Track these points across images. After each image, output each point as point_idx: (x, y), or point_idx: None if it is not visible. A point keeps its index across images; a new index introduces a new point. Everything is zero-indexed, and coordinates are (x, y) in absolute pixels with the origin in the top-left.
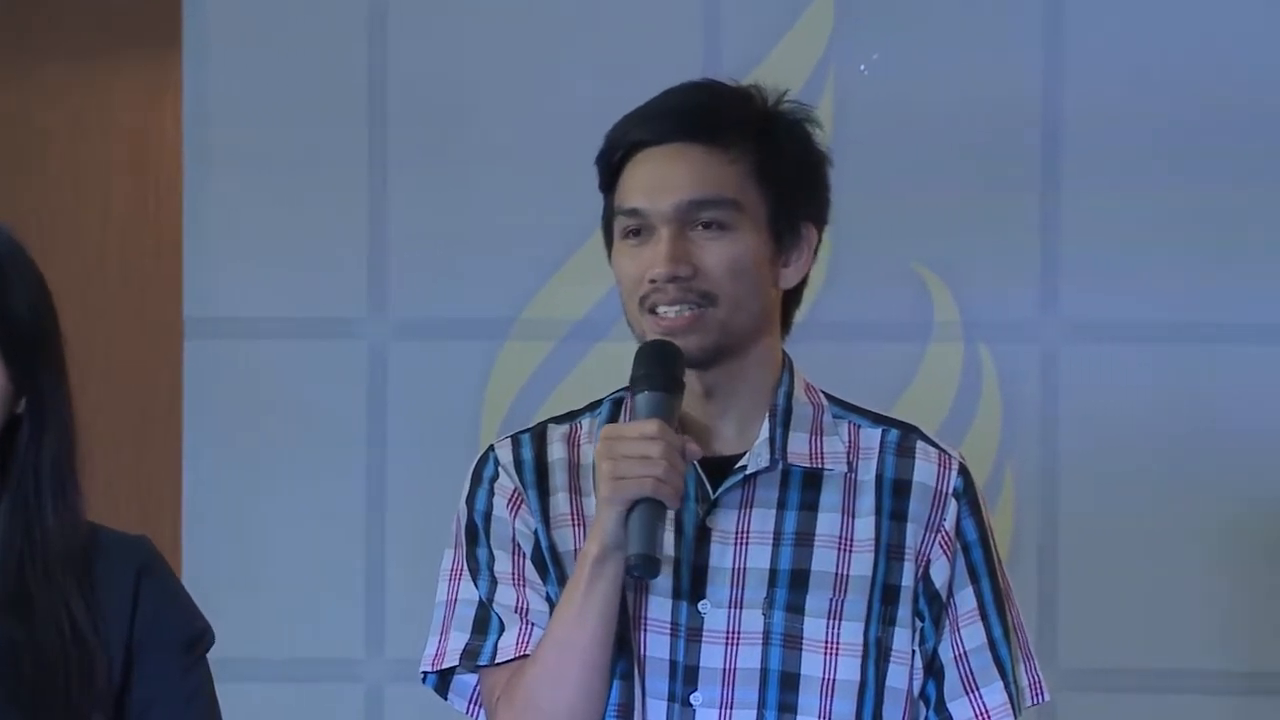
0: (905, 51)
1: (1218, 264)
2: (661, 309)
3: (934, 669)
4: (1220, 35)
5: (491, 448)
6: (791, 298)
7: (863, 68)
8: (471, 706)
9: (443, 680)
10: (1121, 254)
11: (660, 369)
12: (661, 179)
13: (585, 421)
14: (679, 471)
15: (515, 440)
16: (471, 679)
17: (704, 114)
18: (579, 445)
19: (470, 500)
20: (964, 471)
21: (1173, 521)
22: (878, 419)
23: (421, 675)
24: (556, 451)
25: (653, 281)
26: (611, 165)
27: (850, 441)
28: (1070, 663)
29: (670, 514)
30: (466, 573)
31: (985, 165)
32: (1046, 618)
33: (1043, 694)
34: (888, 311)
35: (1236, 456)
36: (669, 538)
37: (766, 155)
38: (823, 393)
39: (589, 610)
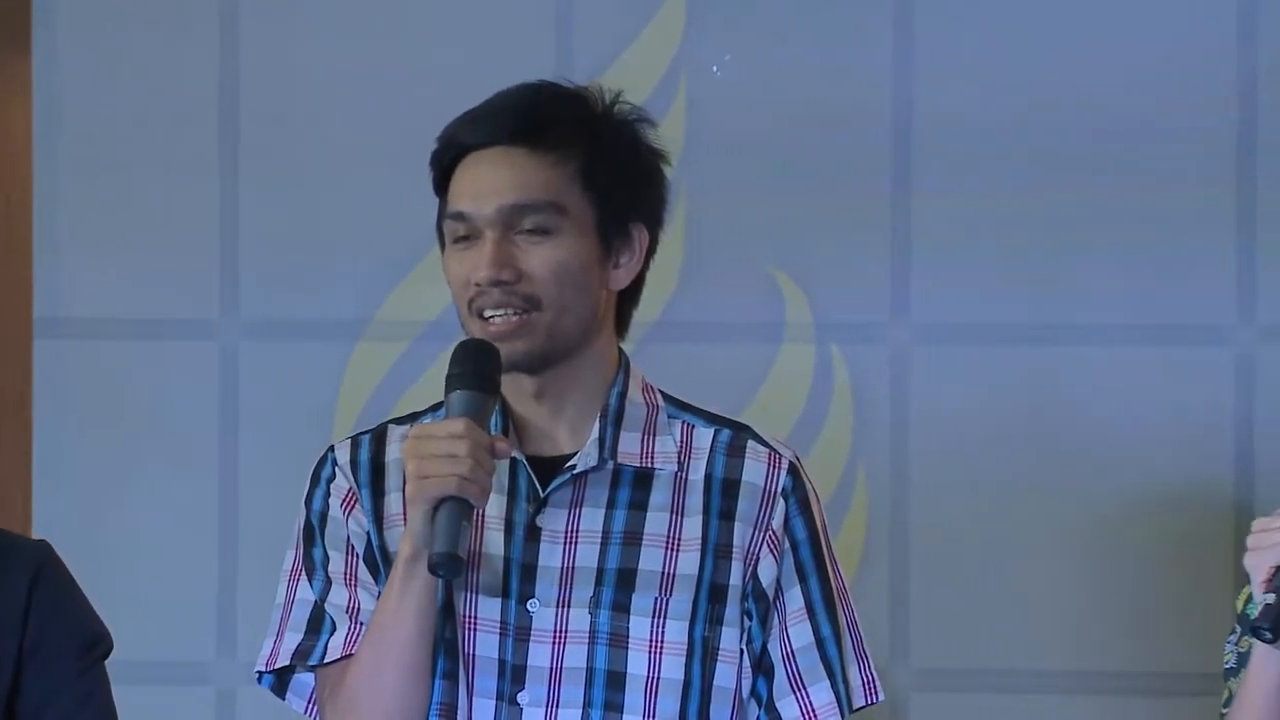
0: (757, 53)
1: (1064, 266)
2: (488, 313)
3: (763, 668)
4: (1067, 40)
5: (331, 449)
6: (627, 298)
7: (715, 69)
8: (309, 706)
9: (280, 680)
10: (970, 256)
11: (472, 368)
12: (486, 183)
13: (426, 421)
14: (486, 470)
15: (355, 441)
16: (310, 679)
17: (529, 117)
18: None
19: (308, 501)
20: (794, 470)
21: (1023, 522)
22: (712, 419)
23: (256, 675)
24: (394, 452)
25: (477, 285)
26: (442, 168)
27: (683, 441)
28: (922, 663)
29: (500, 513)
30: (303, 573)
31: (837, 167)
32: (898, 618)
33: (876, 694)
34: (740, 313)
35: (1083, 457)
36: (498, 537)
37: (593, 157)
38: (660, 392)
39: (404, 610)
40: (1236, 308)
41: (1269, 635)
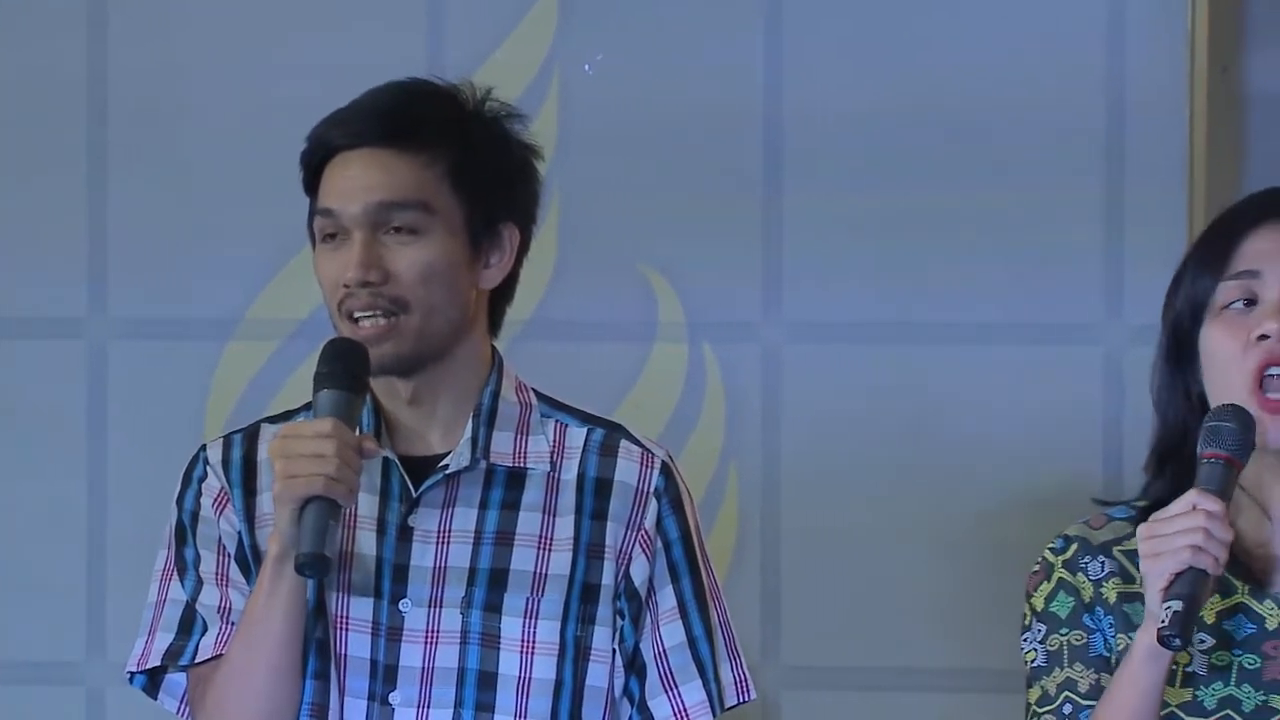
0: (629, 51)
1: (936, 264)
2: (357, 315)
3: (636, 667)
4: (936, 39)
5: (203, 447)
6: (499, 296)
7: (587, 67)
8: (181, 706)
9: (153, 680)
10: (842, 255)
11: (340, 367)
12: (354, 182)
13: (299, 420)
14: (353, 469)
15: (227, 440)
16: (182, 679)
17: (398, 116)
18: None
19: (180, 500)
20: (666, 470)
21: (893, 520)
22: (586, 418)
23: (128, 675)
24: (266, 451)
25: (346, 286)
26: (311, 167)
27: (556, 441)
28: (793, 660)
29: (373, 514)
30: (175, 573)
31: (709, 166)
32: (769, 616)
33: (748, 692)
34: (613, 311)
35: (953, 455)
36: (370, 537)
37: (462, 157)
38: (534, 391)
39: (272, 610)
40: (1105, 306)
41: (1178, 643)
